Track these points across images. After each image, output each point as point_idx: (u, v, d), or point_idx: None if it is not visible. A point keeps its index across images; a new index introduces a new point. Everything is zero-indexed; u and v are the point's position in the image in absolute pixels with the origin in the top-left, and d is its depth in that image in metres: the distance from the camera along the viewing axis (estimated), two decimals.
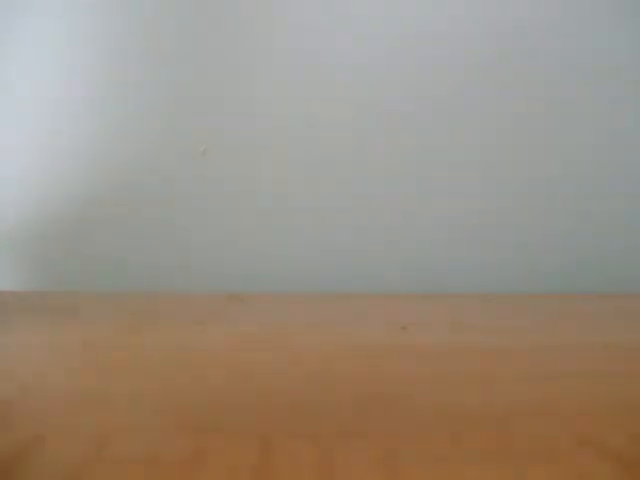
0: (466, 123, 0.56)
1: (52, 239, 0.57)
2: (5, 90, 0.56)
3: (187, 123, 0.56)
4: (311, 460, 0.17)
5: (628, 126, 0.56)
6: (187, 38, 0.56)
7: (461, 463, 0.16)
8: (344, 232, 0.56)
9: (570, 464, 0.16)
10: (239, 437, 0.18)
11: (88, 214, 0.57)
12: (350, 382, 0.25)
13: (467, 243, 0.56)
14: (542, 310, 0.44)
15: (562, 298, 0.51)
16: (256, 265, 0.56)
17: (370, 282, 0.56)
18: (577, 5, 0.55)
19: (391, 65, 0.56)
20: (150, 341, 0.33)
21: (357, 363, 0.28)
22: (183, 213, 0.57)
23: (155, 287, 0.56)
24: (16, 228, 0.57)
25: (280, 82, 0.56)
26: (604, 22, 0.55)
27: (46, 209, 0.57)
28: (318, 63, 0.56)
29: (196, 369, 0.27)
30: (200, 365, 0.28)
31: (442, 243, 0.56)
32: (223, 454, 0.17)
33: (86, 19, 0.56)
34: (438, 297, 0.51)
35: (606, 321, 0.41)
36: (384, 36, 0.56)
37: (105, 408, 0.21)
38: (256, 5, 0.56)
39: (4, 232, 0.57)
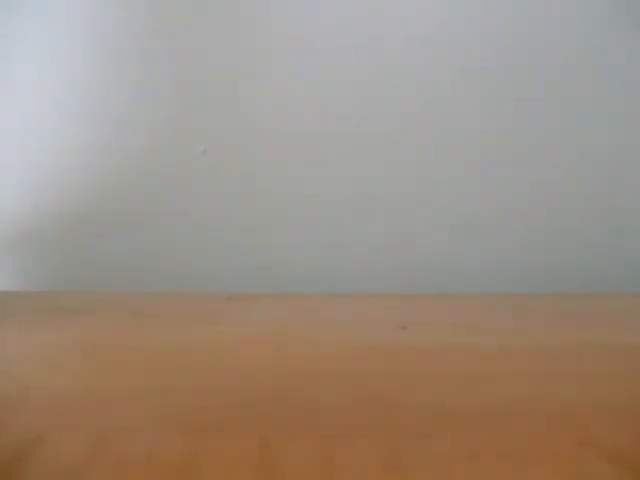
0: (466, 124, 0.56)
1: (53, 239, 0.57)
2: (6, 90, 0.56)
3: (187, 123, 0.56)
4: (311, 460, 0.17)
5: (629, 126, 0.56)
6: (187, 38, 0.56)
7: (461, 463, 0.16)
8: (344, 232, 0.56)
9: (570, 464, 0.16)
10: (239, 437, 0.18)
11: (88, 214, 0.57)
12: (350, 382, 0.25)
13: (467, 243, 0.56)
14: (542, 310, 0.44)
15: (562, 298, 0.50)
16: (255, 265, 0.56)
17: (370, 282, 0.56)
18: (578, 4, 0.55)
19: (391, 65, 0.56)
20: (150, 341, 0.33)
21: (357, 363, 0.28)
22: (183, 213, 0.56)
23: (155, 287, 0.56)
24: (17, 228, 0.57)
25: (280, 82, 0.56)
26: (605, 22, 0.55)
27: (46, 209, 0.57)
28: (318, 63, 0.56)
29: (196, 369, 0.27)
30: (200, 365, 0.28)
31: (442, 243, 0.56)
32: (223, 454, 0.17)
33: (87, 19, 0.56)
34: (438, 297, 0.51)
35: (606, 321, 0.41)
36: (384, 36, 0.55)
37: (105, 408, 0.21)
38: (256, 5, 0.56)
39: (5, 232, 0.57)
